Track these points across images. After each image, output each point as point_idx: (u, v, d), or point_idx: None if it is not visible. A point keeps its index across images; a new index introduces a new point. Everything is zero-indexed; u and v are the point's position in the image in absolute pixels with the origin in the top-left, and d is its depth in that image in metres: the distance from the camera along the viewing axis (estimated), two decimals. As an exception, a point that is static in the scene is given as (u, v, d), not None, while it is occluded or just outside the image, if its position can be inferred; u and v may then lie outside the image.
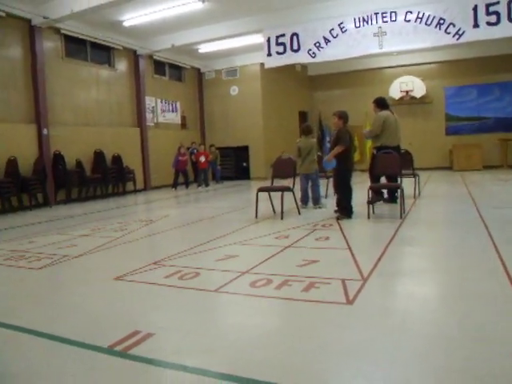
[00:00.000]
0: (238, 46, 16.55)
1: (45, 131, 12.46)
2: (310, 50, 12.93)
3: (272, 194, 8.78)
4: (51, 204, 12.46)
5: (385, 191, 9.50)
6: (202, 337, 3.03)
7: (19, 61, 12.12)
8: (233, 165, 19.45)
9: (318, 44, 12.78)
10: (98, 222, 8.95)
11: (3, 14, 11.49)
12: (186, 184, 16.47)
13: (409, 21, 11.66)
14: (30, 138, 12.25)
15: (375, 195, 8.68)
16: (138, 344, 2.84)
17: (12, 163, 11.39)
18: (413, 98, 19.53)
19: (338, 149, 7.57)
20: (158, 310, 3.60)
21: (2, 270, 5.29)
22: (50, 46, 12.93)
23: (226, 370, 2.54)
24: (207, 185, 16.51)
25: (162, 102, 17.43)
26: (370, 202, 7.89)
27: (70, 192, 13.04)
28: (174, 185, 16.15)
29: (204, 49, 16.98)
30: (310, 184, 9.32)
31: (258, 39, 14.45)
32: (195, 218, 8.88)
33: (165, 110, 17.67)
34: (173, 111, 18.14)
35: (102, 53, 14.89)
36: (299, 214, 8.47)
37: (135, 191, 15.27)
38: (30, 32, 12.27)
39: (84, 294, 4.16)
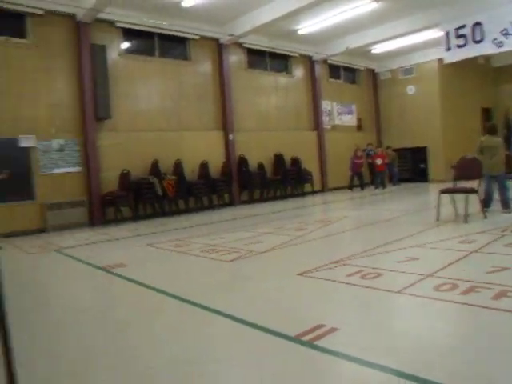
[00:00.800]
0: (413, 43, 15.65)
1: (231, 137, 13.50)
2: (496, 39, 11.45)
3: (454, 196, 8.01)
4: (236, 204, 13.40)
5: None
6: (386, 335, 2.94)
7: (210, 75, 13.39)
8: (409, 166, 18.37)
9: (505, 31, 11.29)
10: (279, 221, 9.16)
11: (197, 37, 12.83)
12: (362, 186, 16.10)
13: None
14: (218, 143, 13.41)
15: None
16: (323, 337, 2.86)
17: (204, 166, 12.59)
18: None
19: None
20: (342, 307, 3.58)
21: (198, 261, 5.80)
22: (234, 59, 13.99)
23: (409, 371, 2.40)
24: (384, 187, 15.92)
25: (337, 104, 17.42)
26: None
27: (252, 193, 13.84)
28: (350, 186, 15.95)
29: (378, 49, 16.48)
30: (495, 186, 8.27)
31: (435, 34, 13.49)
32: (372, 220, 8.56)
33: (341, 113, 17.62)
34: (348, 113, 17.98)
35: (280, 61, 15.55)
36: (485, 217, 7.55)
37: (313, 192, 15.49)
38: (219, 49, 13.47)
39: (270, 286, 4.30)
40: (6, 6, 9.76)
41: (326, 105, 16.85)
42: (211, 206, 12.72)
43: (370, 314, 3.38)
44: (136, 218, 11.08)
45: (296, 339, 2.87)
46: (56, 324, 3.75)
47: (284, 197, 14.66)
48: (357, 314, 3.41)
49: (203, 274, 5.16)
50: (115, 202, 10.66)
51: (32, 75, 10.15)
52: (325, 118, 16.78)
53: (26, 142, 9.88)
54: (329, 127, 17.00)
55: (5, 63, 9.84)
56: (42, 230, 9.95)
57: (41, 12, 10.19)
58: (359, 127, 18.38)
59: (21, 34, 10.22)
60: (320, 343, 2.78)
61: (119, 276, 5.19)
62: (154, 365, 2.74)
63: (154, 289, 4.48)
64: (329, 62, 16.89)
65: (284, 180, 14.50)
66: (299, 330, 3.00)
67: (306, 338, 2.86)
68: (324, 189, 16.50)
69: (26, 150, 9.91)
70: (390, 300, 3.73)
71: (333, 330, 2.98)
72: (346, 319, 3.25)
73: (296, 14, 11.99)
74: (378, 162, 15.81)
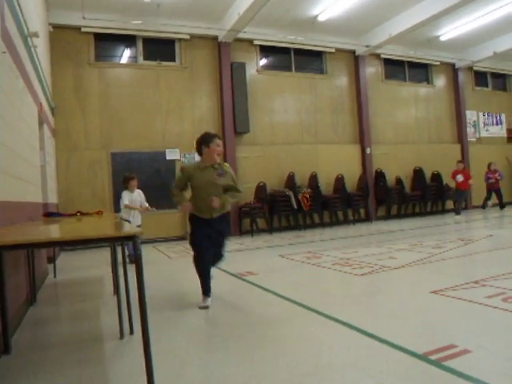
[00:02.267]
0: None
1: (368, 150, 12.76)
2: None
3: None
4: (372, 219, 12.55)
5: None
6: None
7: (346, 88, 12.88)
8: None
9: None
10: (415, 238, 8.49)
11: (333, 50, 12.49)
12: (501, 204, 13.47)
13: None
14: (354, 156, 12.76)
15: None
16: (453, 358, 2.58)
17: (339, 180, 12.03)
18: None
19: None
20: (477, 329, 3.13)
21: (329, 273, 5.63)
22: (371, 71, 13.30)
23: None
24: (457, 213, 12.31)
25: (484, 115, 15.64)
26: None
27: (389, 208, 12.87)
28: (484, 205, 13.66)
29: (534, 51, 14.47)
30: None
31: None
32: None
33: (488, 124, 15.77)
34: (497, 124, 16.02)
35: (420, 71, 14.42)
36: None
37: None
38: (355, 61, 12.93)
39: (401, 302, 4.02)
40: (159, 34, 10.51)
41: (470, 115, 15.20)
42: (346, 221, 12.08)
43: (510, 340, 2.87)
44: (271, 229, 10.92)
45: (423, 357, 2.62)
46: (189, 320, 3.66)
47: (423, 213, 13.43)
48: (494, 338, 2.90)
49: (333, 286, 5.05)
50: (251, 213, 10.62)
51: (178, 94, 10.71)
52: (469, 130, 15.14)
53: (171, 154, 10.41)
54: (474, 139, 15.30)
55: (157, 84, 10.54)
56: (182, 238, 10.28)
57: (187, 37, 10.74)
58: (510, 139, 16.26)
59: (170, 57, 10.89)
60: (449, 364, 2.50)
61: (250, 283, 5.20)
62: (295, 371, 2.54)
63: (281, 296, 4.41)
64: (474, 68, 15.24)
65: (423, 196, 13.31)
66: (427, 348, 2.74)
67: (434, 357, 2.60)
68: (468, 206, 14.80)
69: (172, 162, 10.42)
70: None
71: (465, 351, 2.66)
72: (482, 342, 2.81)
73: (437, 19, 10.92)
74: (459, 179, 12.22)
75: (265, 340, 3.15)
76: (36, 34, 5.04)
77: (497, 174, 13.34)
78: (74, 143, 9.72)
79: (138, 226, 6.40)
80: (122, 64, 10.67)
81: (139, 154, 10.14)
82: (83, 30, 9.76)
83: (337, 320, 3.48)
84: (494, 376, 2.30)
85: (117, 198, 9.74)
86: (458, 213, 12.20)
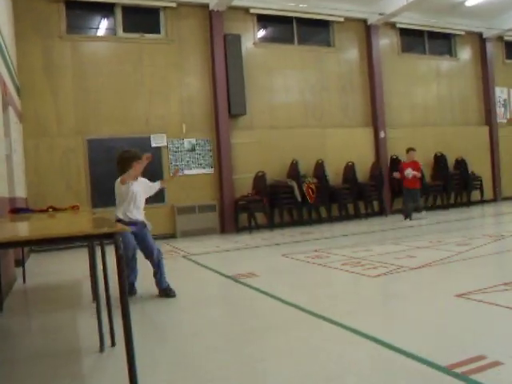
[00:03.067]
0: None
1: (382, 134, 12.74)
2: None
3: None
4: (387, 213, 12.56)
5: None
6: None
7: (357, 62, 12.86)
8: None
9: None
10: (437, 233, 8.54)
11: (342, 19, 12.43)
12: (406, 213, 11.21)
13: None
14: (366, 141, 12.77)
15: None
16: (482, 370, 2.55)
17: (349, 169, 12.03)
18: None
19: None
20: (510, 338, 3.12)
21: (339, 274, 5.65)
22: (385, 43, 13.26)
23: None
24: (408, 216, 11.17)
25: (516, 92, 15.64)
26: None
27: (407, 200, 12.90)
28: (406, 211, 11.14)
29: None
30: None
31: None
32: None
33: (520, 103, 15.78)
34: (530, 103, 16.03)
35: (442, 42, 14.40)
36: None
37: (482, 202, 13.99)
38: (367, 32, 12.89)
39: (420, 308, 4.03)
40: (141, 2, 10.46)
41: (500, 93, 15.18)
42: (357, 215, 12.09)
43: None
44: (271, 225, 10.94)
45: (448, 370, 2.59)
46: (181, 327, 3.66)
47: (445, 206, 13.44)
48: None
49: (342, 289, 5.07)
50: (249, 207, 10.63)
51: (164, 71, 10.66)
52: (499, 110, 15.13)
53: (157, 140, 10.38)
54: (504, 121, 15.30)
55: (139, 60, 10.48)
56: (171, 236, 10.30)
57: (174, 5, 10.70)
58: (545, 120, 16.28)
59: (155, 29, 10.83)
60: (477, 377, 2.46)
61: (249, 286, 5.21)
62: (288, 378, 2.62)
63: (285, 302, 4.42)
64: (505, 38, 15.18)
65: (446, 186, 13.32)
66: (452, 359, 2.71)
67: (459, 370, 2.57)
68: (497, 197, 14.83)
69: (158, 150, 10.38)
70: None
71: (496, 363, 2.62)
72: None
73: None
74: (409, 174, 10.72)
75: (267, 350, 3.17)
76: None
77: (410, 169, 10.72)
78: (45, 129, 9.68)
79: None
80: (99, 37, 10.63)
81: (120, 141, 10.07)
82: (52, -3, 9.72)
83: (347, 327, 3.49)
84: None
85: (96, 191, 9.78)
86: (407, 215, 10.84)
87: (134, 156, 4.88)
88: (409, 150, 10.97)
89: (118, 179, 4.87)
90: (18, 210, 5.39)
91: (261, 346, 3.28)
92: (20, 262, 6.61)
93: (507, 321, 3.48)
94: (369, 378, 2.62)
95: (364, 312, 3.98)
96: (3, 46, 6.37)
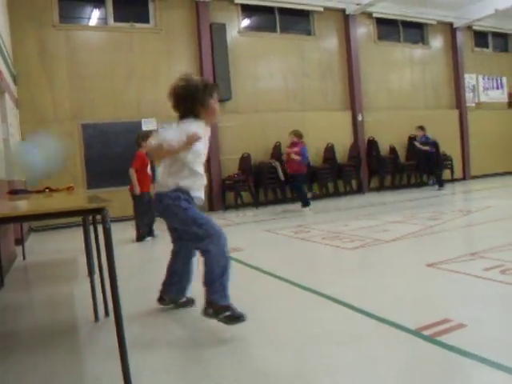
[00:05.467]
0: None
1: (359, 117, 12.75)
2: None
3: None
4: (364, 191, 12.64)
5: None
6: None
7: (335, 50, 12.77)
8: None
9: None
10: (410, 209, 8.59)
11: (321, 9, 12.30)
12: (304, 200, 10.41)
13: None
14: (345, 124, 12.75)
15: None
16: (448, 332, 2.63)
17: (329, 150, 12.04)
18: None
19: None
20: (473, 302, 3.20)
21: (319, 247, 5.68)
22: (362, 31, 13.17)
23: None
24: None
25: (483, 78, 15.65)
26: None
27: (383, 179, 12.97)
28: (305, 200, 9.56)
29: (538, 7, 14.41)
30: None
31: None
32: None
33: (488, 88, 15.80)
34: (497, 88, 16.04)
35: (415, 31, 14.33)
36: None
37: (452, 180, 14.12)
38: (345, 21, 12.78)
39: (393, 276, 4.10)
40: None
41: (469, 79, 15.19)
42: (337, 193, 12.15)
43: (508, 314, 2.96)
44: (256, 203, 10.95)
45: (416, 332, 2.68)
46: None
47: (419, 184, 13.55)
48: (491, 312, 2.99)
49: (322, 261, 5.09)
50: (235, 186, 10.63)
51: (154, 58, 10.51)
52: (468, 95, 15.16)
53: (147, 124, 10.26)
54: (473, 105, 15.35)
55: (130, 48, 10.31)
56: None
57: (163, -5, 10.50)
58: (511, 104, 16.37)
59: (144, 18, 10.64)
60: (443, 339, 2.55)
61: (233, 259, 5.09)
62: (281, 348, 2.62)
63: (267, 273, 4.46)
64: (474, 28, 15.14)
65: (419, 165, 13.40)
66: (420, 323, 2.79)
67: (427, 333, 2.65)
68: (466, 176, 14.98)
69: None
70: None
71: (460, 326, 2.72)
72: (478, 316, 2.88)
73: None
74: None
75: (249, 319, 3.14)
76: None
77: (295, 149, 9.02)
78: (41, 115, 9.53)
79: None
80: (91, 26, 10.41)
81: (113, 125, 9.99)
82: (45, -12, 9.47)
83: (326, 296, 3.53)
84: (488, 349, 2.35)
85: (91, 173, 9.69)
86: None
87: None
88: (292, 133, 9.23)
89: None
90: (16, 192, 5.33)
91: (248, 313, 3.29)
92: (20, 241, 6.56)
93: (472, 287, 3.55)
94: (345, 340, 2.68)
95: (342, 281, 4.03)
96: (-2, 34, 6.23)
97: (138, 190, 6.77)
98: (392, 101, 13.61)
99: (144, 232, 6.94)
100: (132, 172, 6.82)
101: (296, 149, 8.94)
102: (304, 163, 9.11)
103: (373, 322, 2.90)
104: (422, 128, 12.09)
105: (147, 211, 6.80)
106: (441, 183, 12.09)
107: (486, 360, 2.25)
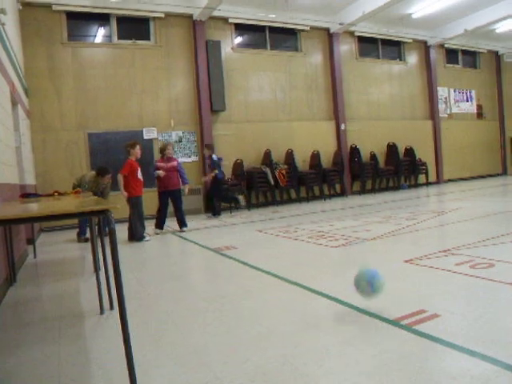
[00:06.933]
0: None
1: (342, 126, 12.82)
2: None
3: None
4: (347, 194, 12.71)
5: None
6: (491, 327, 2.57)
7: (321, 65, 12.84)
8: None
9: None
10: (389, 211, 8.64)
11: (307, 28, 12.38)
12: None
13: None
14: (329, 133, 12.82)
15: None
16: (423, 322, 2.68)
17: (315, 157, 12.09)
18: None
19: None
20: (446, 295, 3.24)
21: (305, 245, 5.68)
22: (345, 48, 13.26)
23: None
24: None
25: (455, 91, 15.81)
26: None
27: (364, 183, 13.04)
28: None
29: (503, 28, 14.58)
30: None
31: None
32: (488, 212, 7.45)
33: (458, 100, 15.97)
34: (467, 100, 16.23)
35: (393, 48, 14.45)
36: None
37: (427, 184, 14.24)
38: (329, 39, 12.87)
39: None
40: (133, 13, 10.25)
41: (442, 92, 15.36)
42: (322, 196, 12.20)
43: (477, 304, 2.99)
44: (248, 206, 10.97)
45: (395, 322, 2.72)
46: (169, 293, 3.68)
47: (397, 188, 13.66)
48: (462, 303, 3.05)
49: (308, 258, 5.04)
50: (229, 190, 10.62)
51: (154, 73, 10.52)
52: (441, 106, 15.32)
53: (149, 133, 10.28)
54: (445, 116, 15.51)
55: (132, 63, 10.32)
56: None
57: (162, 15, 10.50)
58: (479, 115, 16.54)
59: (145, 36, 10.65)
60: (419, 328, 2.60)
61: (228, 257, 5.25)
62: (271, 336, 2.59)
63: (258, 269, 4.47)
64: (445, 46, 15.33)
65: (397, 170, 13.51)
66: (398, 314, 2.84)
67: (404, 322, 2.70)
68: (440, 180, 15.10)
69: (149, 142, 10.30)
70: (501, 291, 3.23)
71: (434, 316, 2.76)
72: (450, 307, 2.93)
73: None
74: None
75: (242, 310, 3.21)
76: (3, 11, 4.86)
77: (172, 164, 7.67)
78: (50, 124, 9.50)
79: None
80: (96, 44, 10.40)
81: (116, 134, 9.99)
82: (54, 8, 9.44)
83: (311, 289, 3.55)
84: (460, 337, 2.41)
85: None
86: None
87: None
88: (163, 148, 7.75)
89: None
90: (27, 195, 5.32)
91: (239, 305, 3.32)
92: (31, 240, 6.54)
93: (445, 281, 3.59)
94: (330, 329, 2.72)
95: (325, 276, 4.06)
96: (10, 50, 6.21)
97: (125, 195, 6.77)
98: (372, 112, 13.71)
99: (141, 232, 6.93)
100: (120, 177, 6.80)
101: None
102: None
103: (355, 313, 2.92)
104: (208, 147, 9.52)
105: (143, 214, 6.86)
106: (217, 212, 9.78)
107: (458, 346, 2.29)
